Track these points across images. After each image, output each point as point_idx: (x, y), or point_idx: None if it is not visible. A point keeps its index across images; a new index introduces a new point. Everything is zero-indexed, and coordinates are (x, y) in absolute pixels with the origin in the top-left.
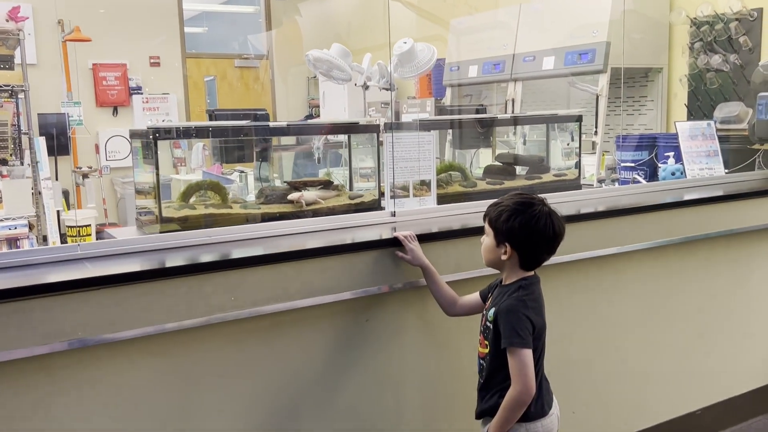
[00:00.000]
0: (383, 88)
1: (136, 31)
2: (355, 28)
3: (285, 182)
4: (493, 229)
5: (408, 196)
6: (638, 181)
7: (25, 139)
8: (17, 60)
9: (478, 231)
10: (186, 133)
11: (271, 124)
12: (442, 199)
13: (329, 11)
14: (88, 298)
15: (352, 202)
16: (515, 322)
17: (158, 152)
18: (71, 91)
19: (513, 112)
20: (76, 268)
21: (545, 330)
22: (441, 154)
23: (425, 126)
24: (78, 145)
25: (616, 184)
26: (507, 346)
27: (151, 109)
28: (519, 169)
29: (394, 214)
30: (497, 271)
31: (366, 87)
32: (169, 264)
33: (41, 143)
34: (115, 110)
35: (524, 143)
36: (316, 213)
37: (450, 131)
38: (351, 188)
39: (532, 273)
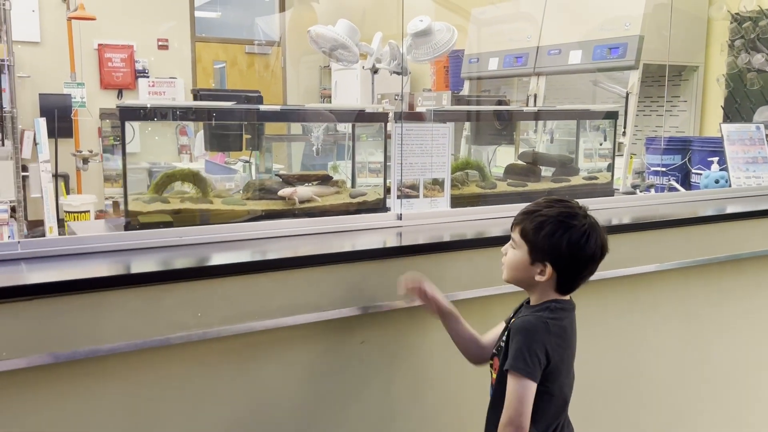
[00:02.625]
0: (394, 72)
1: (145, 12)
2: (370, 15)
3: (277, 175)
4: (528, 242)
5: (418, 196)
6: (674, 188)
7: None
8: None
9: (498, 241)
10: (161, 114)
11: (262, 107)
12: (457, 201)
13: None
14: (16, 310)
15: (353, 201)
16: (526, 345)
17: (126, 134)
18: (74, 72)
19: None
20: (9, 271)
21: (567, 370)
22: (456, 150)
23: (440, 117)
24: (80, 128)
25: (652, 190)
26: (508, 368)
27: (157, 93)
28: (544, 170)
29: (400, 217)
30: (519, 289)
31: (375, 70)
32: (118, 271)
33: (41, 124)
34: (120, 93)
35: (551, 141)
36: (310, 212)
37: (467, 125)
38: (354, 185)
39: (567, 297)
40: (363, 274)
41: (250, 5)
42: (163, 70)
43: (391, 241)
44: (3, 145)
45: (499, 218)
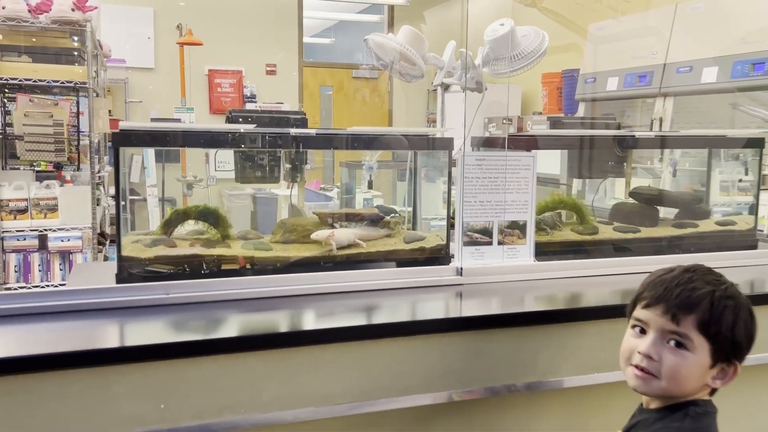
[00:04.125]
0: (468, 89)
1: (254, 37)
2: (479, 36)
3: (314, 213)
4: (715, 339)
5: (490, 243)
6: None
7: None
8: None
9: (607, 312)
10: (162, 140)
11: (293, 131)
12: (544, 251)
13: (455, 18)
14: None
15: (407, 247)
16: None
17: (120, 160)
18: (185, 97)
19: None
20: None
21: None
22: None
23: (520, 143)
24: (187, 153)
25: None
26: None
27: None
28: (662, 211)
29: (460, 272)
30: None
31: (445, 87)
32: (50, 347)
33: (150, 149)
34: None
35: (674, 175)
36: (350, 261)
37: (566, 153)
38: (415, 226)
39: (707, 397)
40: (403, 353)
41: (362, 29)
42: (271, 95)
43: (446, 307)
44: (78, 169)
45: (601, 276)
